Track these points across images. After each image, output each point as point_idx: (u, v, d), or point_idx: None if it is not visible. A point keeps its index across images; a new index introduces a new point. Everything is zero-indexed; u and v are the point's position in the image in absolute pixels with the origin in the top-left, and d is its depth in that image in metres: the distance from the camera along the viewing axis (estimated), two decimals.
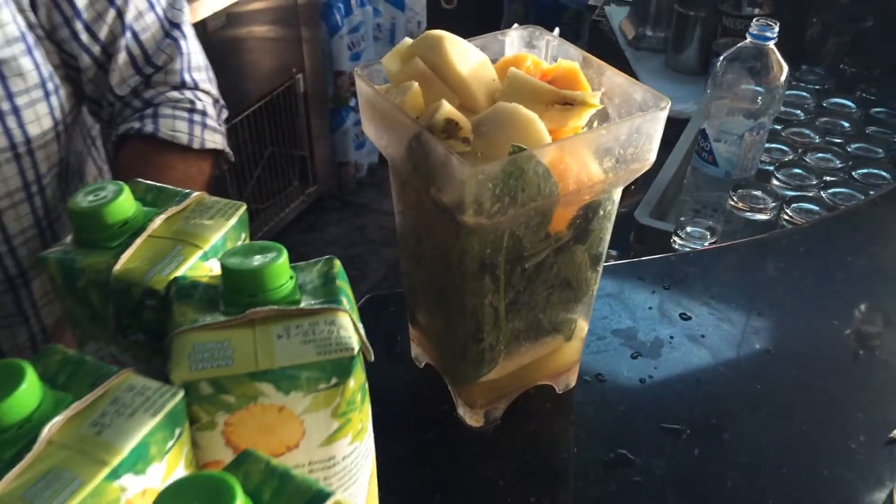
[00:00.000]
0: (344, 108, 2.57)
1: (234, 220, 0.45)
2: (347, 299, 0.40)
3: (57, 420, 0.33)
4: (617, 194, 0.59)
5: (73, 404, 0.34)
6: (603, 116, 0.59)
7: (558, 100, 0.55)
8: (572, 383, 0.70)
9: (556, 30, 0.68)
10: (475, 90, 0.57)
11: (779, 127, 1.28)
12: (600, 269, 0.63)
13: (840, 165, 1.19)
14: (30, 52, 0.75)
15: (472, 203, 0.50)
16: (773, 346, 0.75)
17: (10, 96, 0.74)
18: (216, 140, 0.85)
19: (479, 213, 0.51)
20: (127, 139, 0.81)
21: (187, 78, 0.85)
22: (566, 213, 0.57)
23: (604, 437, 0.66)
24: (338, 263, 0.42)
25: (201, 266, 0.42)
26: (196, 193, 0.46)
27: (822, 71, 1.42)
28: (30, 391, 0.33)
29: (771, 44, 1.09)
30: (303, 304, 0.39)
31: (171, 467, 0.35)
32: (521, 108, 0.53)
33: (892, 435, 0.66)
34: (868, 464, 0.64)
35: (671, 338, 0.75)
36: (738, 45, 1.11)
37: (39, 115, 0.77)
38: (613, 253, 1.16)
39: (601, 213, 0.59)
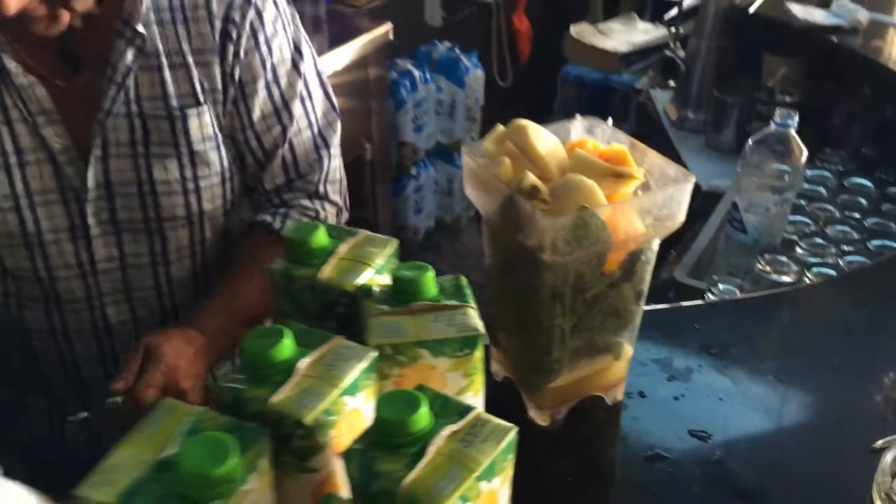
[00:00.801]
0: (405, 176, 2.84)
1: (391, 250, 0.68)
2: (472, 300, 0.62)
3: (305, 361, 0.55)
4: (655, 244, 0.80)
5: (313, 352, 0.56)
6: (645, 186, 0.81)
7: (612, 173, 0.78)
8: (619, 397, 0.90)
9: (609, 120, 0.91)
10: (550, 165, 0.80)
11: (803, 202, 1.48)
12: (642, 303, 0.84)
13: (857, 237, 1.39)
14: (218, 147, 0.97)
15: (549, 245, 0.72)
16: (783, 376, 0.94)
17: (195, 178, 0.96)
18: None
19: (554, 253, 0.73)
20: (257, 226, 1.02)
21: (321, 189, 1.05)
22: (617, 256, 0.78)
23: (644, 439, 0.86)
24: (464, 279, 0.64)
25: (374, 278, 0.65)
26: (362, 232, 0.69)
27: (844, 154, 1.63)
28: (288, 344, 0.55)
29: (792, 130, 1.30)
30: (444, 302, 0.61)
31: (368, 398, 0.56)
32: (584, 178, 0.76)
33: (874, 445, 0.84)
34: (856, 468, 0.82)
35: (700, 366, 0.95)
36: (764, 130, 1.33)
37: (215, 195, 0.98)
38: None
39: (643, 258, 0.80)
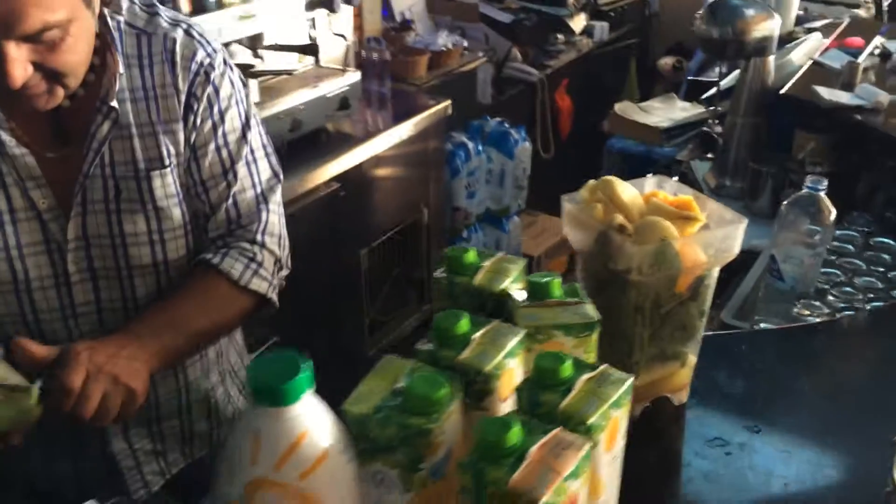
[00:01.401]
0: (457, 239, 3.11)
1: (520, 266, 0.93)
2: (587, 300, 0.87)
3: (477, 334, 0.80)
4: (715, 272, 1.05)
5: (481, 329, 0.81)
6: (706, 227, 1.06)
7: (681, 216, 1.03)
8: (684, 399, 1.13)
9: (675, 178, 1.17)
10: (632, 210, 1.05)
11: (834, 257, 1.73)
12: (704, 321, 1.09)
13: (881, 287, 1.62)
14: (180, 203, 1.14)
15: (636, 268, 0.97)
16: (815, 384, 1.17)
17: (160, 232, 1.13)
18: (261, 286, 1.17)
19: (639, 274, 0.98)
20: (200, 263, 1.16)
21: (258, 237, 1.19)
22: (685, 280, 1.03)
23: (706, 429, 1.09)
24: (579, 286, 0.90)
25: (511, 284, 0.90)
26: (499, 253, 0.95)
27: (869, 217, 1.88)
28: (465, 322, 0.80)
29: (822, 193, 1.55)
30: (567, 299, 0.86)
31: (518, 363, 0.81)
32: (661, 219, 1.01)
33: (894, 439, 1.06)
34: (876, 458, 1.04)
35: (747, 377, 1.18)
36: (798, 193, 1.59)
37: (178, 246, 1.15)
38: None
39: (706, 283, 1.05)
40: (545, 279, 0.87)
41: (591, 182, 1.10)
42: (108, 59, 1.08)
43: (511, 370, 0.80)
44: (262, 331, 2.29)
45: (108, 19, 1.08)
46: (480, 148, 3.12)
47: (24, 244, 1.09)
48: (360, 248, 2.69)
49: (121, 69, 1.08)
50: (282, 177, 1.25)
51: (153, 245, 1.14)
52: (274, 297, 1.21)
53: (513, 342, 0.80)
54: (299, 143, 2.43)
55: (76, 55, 0.99)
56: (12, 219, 1.08)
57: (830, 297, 1.61)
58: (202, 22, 2.16)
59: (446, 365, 0.77)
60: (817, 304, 1.56)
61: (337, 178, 2.49)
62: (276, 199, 1.23)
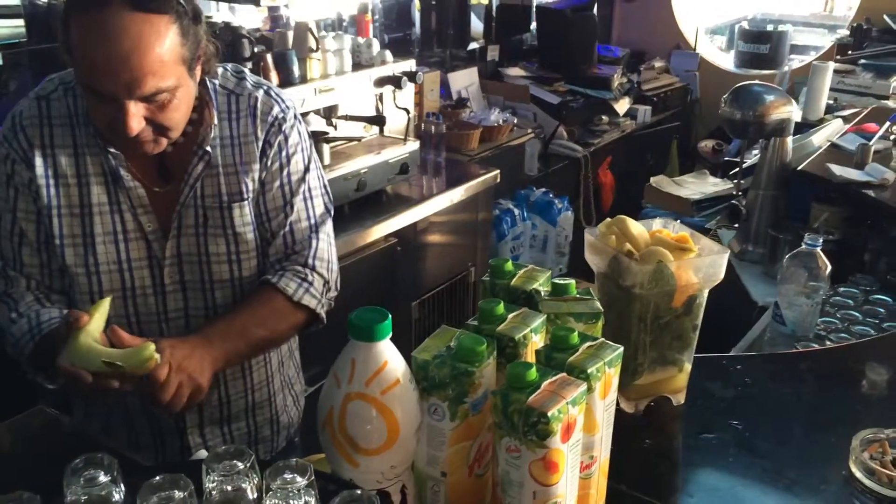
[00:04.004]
0: None
1: (547, 275, 1.24)
2: (596, 298, 1.17)
3: (510, 315, 1.10)
4: (705, 293, 1.34)
5: (514, 313, 1.11)
6: (698, 256, 1.35)
7: (678, 248, 1.33)
8: (682, 401, 1.40)
9: (679, 220, 1.47)
10: (639, 241, 1.35)
11: (834, 309, 1.98)
12: (696, 334, 1.36)
13: (874, 334, 1.87)
14: (254, 231, 1.41)
15: (639, 284, 1.27)
16: (792, 392, 1.43)
17: (237, 253, 1.41)
18: (311, 302, 1.43)
19: (641, 288, 1.27)
20: (262, 282, 1.43)
21: (310, 262, 1.45)
22: (680, 297, 1.32)
23: (698, 424, 1.35)
24: (592, 289, 1.19)
25: (538, 286, 1.20)
26: (529, 266, 1.25)
27: (872, 278, 2.13)
28: (501, 307, 1.11)
29: (818, 249, 1.83)
30: (580, 296, 1.16)
31: (541, 339, 1.10)
32: (661, 248, 1.31)
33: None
34: (839, 451, 1.30)
35: (737, 386, 1.45)
36: (797, 249, 1.86)
37: (251, 266, 1.43)
38: None
39: (697, 301, 1.34)
40: (565, 281, 1.17)
41: (608, 219, 1.41)
42: (204, 114, 1.38)
43: (534, 343, 1.09)
44: (323, 367, 2.60)
45: (207, 83, 1.40)
46: (526, 215, 3.45)
47: (133, 259, 1.39)
48: (412, 300, 3.01)
49: (215, 121, 1.40)
50: (332, 212, 1.53)
51: (231, 263, 1.42)
52: (322, 313, 1.48)
53: (537, 322, 1.09)
54: (362, 201, 2.79)
55: (179, 113, 1.28)
56: (125, 238, 1.39)
57: (828, 343, 1.86)
58: (288, 94, 2.58)
59: (487, 334, 1.07)
60: (815, 346, 1.81)
61: (394, 235, 2.84)
62: (326, 230, 1.51)
